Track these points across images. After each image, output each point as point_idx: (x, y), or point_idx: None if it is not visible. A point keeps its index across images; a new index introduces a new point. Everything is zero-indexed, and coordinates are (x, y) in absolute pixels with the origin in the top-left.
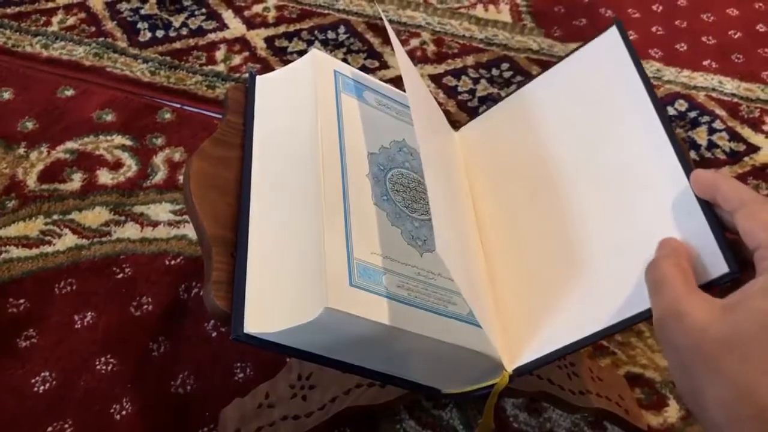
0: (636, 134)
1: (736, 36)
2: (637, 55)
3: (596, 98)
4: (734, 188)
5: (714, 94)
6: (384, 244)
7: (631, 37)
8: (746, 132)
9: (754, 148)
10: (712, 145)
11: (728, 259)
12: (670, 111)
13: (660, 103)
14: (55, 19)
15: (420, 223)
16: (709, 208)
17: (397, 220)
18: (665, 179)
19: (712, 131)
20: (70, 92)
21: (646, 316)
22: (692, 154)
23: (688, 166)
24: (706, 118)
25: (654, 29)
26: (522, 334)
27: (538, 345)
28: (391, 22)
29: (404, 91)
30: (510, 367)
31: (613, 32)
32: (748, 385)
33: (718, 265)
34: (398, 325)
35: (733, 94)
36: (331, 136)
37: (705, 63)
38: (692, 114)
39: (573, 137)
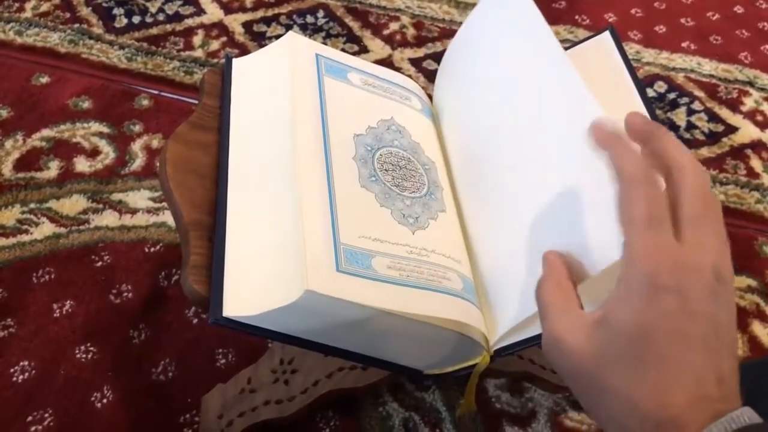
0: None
1: (714, 18)
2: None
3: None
4: (624, 157)
5: (693, 76)
6: (373, 226)
7: (610, 20)
8: (724, 113)
9: (732, 129)
10: (691, 126)
11: None
12: (650, 92)
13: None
14: (28, 5)
15: (411, 201)
16: None
17: (387, 200)
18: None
19: (691, 112)
20: (45, 79)
21: None
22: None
23: None
24: (685, 100)
25: (633, 11)
26: (503, 313)
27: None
28: (370, 6)
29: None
30: (491, 347)
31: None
32: (629, 398)
33: None
34: (377, 305)
35: (712, 75)
36: (313, 120)
37: (684, 45)
38: (671, 95)
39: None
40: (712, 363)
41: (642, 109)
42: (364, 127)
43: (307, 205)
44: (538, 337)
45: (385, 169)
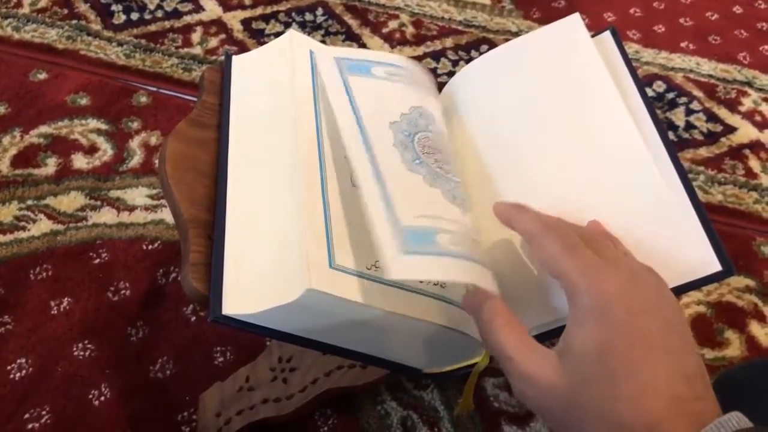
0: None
1: (713, 18)
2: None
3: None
4: (523, 221)
5: (691, 75)
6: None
7: (609, 19)
8: (723, 113)
9: (730, 129)
10: (689, 126)
11: (721, 258)
12: (649, 92)
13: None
14: (26, 1)
15: (455, 184)
16: (699, 205)
17: (436, 181)
18: (655, 174)
19: (689, 112)
20: (42, 75)
21: None
22: (670, 135)
23: (682, 169)
24: (683, 99)
25: (632, 11)
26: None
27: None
28: (369, 3)
29: None
30: None
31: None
32: (613, 414)
33: (709, 264)
34: (377, 305)
35: (710, 75)
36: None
37: (683, 44)
38: (670, 95)
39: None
40: (676, 361)
41: (641, 108)
42: (398, 115)
43: (308, 203)
44: (538, 337)
45: (427, 152)
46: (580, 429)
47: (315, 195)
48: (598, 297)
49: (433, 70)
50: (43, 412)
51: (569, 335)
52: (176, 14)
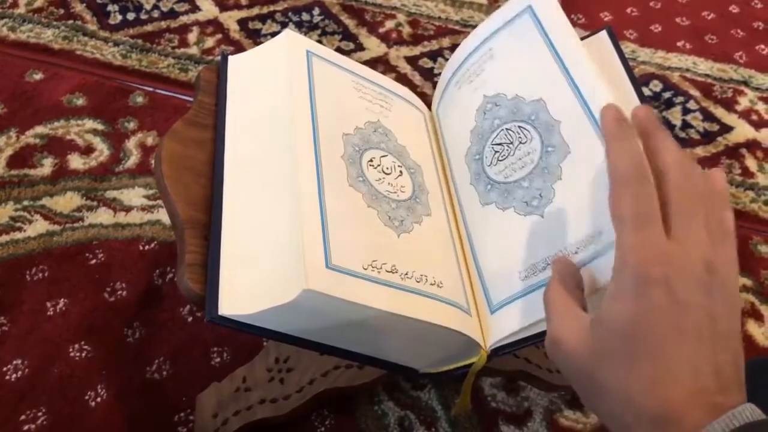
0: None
1: (709, 17)
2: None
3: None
4: (618, 155)
5: (688, 75)
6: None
7: (606, 18)
8: (720, 112)
9: (727, 128)
10: (686, 125)
11: None
12: (645, 92)
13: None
14: (22, 1)
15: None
16: None
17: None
18: None
19: (686, 111)
20: (38, 76)
21: None
22: None
23: None
24: (680, 99)
25: (629, 10)
26: (504, 317)
27: (517, 323)
28: (366, 3)
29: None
30: (488, 346)
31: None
32: (624, 394)
33: None
34: (375, 305)
35: (707, 75)
36: (305, 118)
37: (679, 44)
38: (667, 94)
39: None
40: (707, 355)
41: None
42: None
43: (305, 204)
44: (536, 336)
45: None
46: (595, 398)
47: (312, 195)
48: (643, 278)
49: (430, 70)
50: (39, 414)
51: (605, 307)
52: (173, 14)
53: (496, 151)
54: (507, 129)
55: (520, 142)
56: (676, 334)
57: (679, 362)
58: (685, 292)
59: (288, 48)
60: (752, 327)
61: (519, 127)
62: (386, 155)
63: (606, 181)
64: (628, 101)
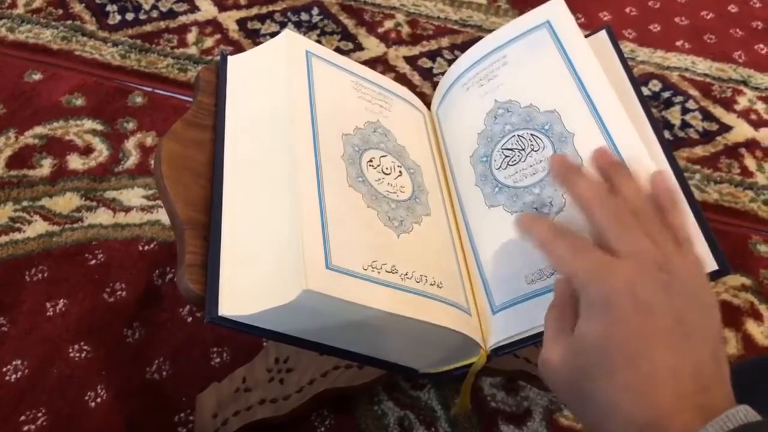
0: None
1: (708, 17)
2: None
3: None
4: (536, 230)
5: (687, 74)
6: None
7: (605, 18)
8: (719, 111)
9: (726, 128)
10: (685, 124)
11: (718, 257)
12: (644, 91)
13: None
14: (20, 2)
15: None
16: (695, 204)
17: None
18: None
19: (685, 111)
20: (37, 76)
21: None
22: (666, 134)
23: (678, 168)
24: (679, 98)
25: (628, 10)
26: (506, 319)
27: (521, 326)
28: (365, 3)
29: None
30: (488, 346)
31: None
32: (611, 405)
33: (705, 263)
34: (375, 305)
35: (706, 74)
36: (305, 118)
37: (678, 43)
38: (666, 94)
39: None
40: (683, 355)
41: (637, 107)
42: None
43: (305, 204)
44: (536, 336)
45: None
46: (582, 410)
47: (311, 195)
48: (603, 292)
49: (429, 70)
50: (39, 414)
51: (578, 327)
52: (171, 14)
53: (506, 156)
54: (519, 135)
55: (533, 150)
56: (647, 337)
57: (656, 366)
58: (646, 294)
59: (288, 48)
60: (751, 326)
61: (532, 135)
62: (386, 155)
63: None
64: (628, 101)
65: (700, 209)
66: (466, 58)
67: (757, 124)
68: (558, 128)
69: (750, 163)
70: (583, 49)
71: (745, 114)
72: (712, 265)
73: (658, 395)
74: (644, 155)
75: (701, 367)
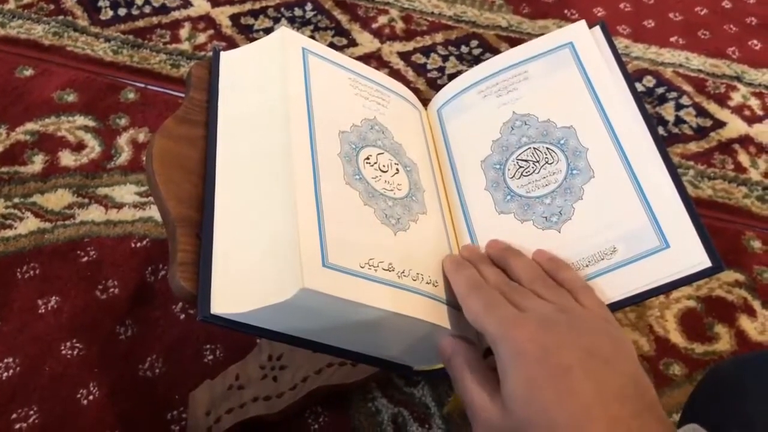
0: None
1: (702, 13)
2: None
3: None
4: (455, 281)
5: (681, 70)
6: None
7: (599, 14)
8: (713, 107)
9: (720, 124)
10: (679, 120)
11: (711, 254)
12: (638, 87)
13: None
14: None
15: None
16: (688, 200)
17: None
18: (644, 169)
19: (679, 107)
20: (29, 72)
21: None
22: (660, 130)
23: (671, 164)
24: (673, 94)
25: (622, 6)
26: None
27: None
28: None
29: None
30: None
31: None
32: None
33: (699, 260)
34: (372, 303)
35: (700, 70)
36: (302, 115)
37: (672, 39)
38: (660, 90)
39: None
40: (602, 384)
41: (631, 103)
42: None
43: (301, 202)
44: None
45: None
46: None
47: (308, 193)
48: (512, 344)
49: (423, 66)
50: (31, 412)
51: (501, 385)
52: (164, 10)
53: (520, 166)
54: (535, 148)
55: (547, 162)
56: (566, 376)
57: (584, 399)
58: (553, 340)
59: (283, 45)
60: (745, 322)
61: (547, 148)
62: (383, 153)
63: (624, 197)
64: (621, 98)
65: (694, 205)
66: (485, 67)
67: (751, 120)
68: (573, 143)
69: (744, 159)
70: (602, 71)
71: (738, 110)
72: (705, 262)
73: (596, 425)
74: (658, 174)
75: (624, 391)
